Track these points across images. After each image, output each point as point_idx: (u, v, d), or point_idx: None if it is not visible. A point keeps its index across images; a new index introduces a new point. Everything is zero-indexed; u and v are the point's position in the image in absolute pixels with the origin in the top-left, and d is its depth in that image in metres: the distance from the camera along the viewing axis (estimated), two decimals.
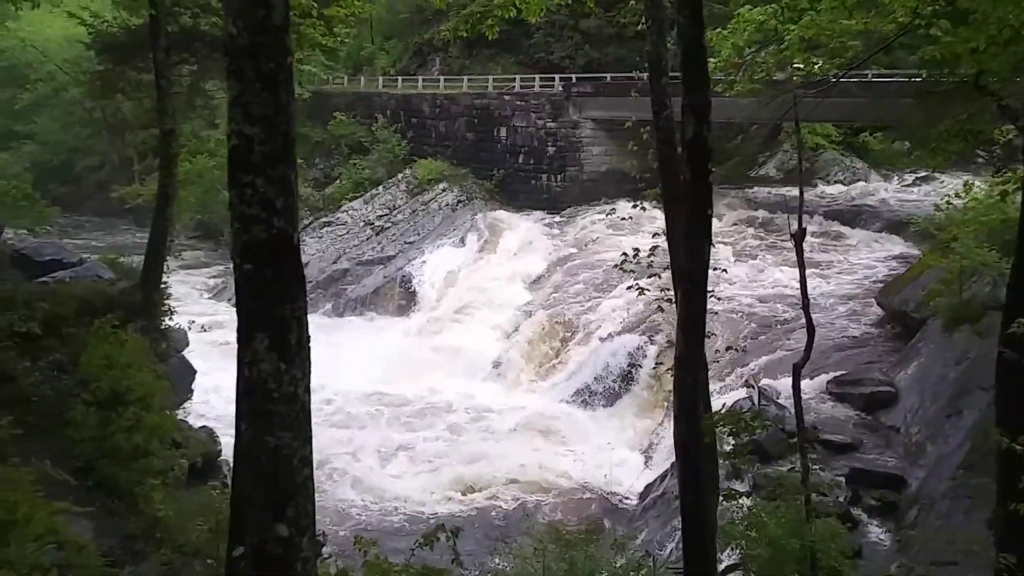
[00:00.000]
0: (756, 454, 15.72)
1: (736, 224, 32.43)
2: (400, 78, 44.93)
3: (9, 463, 9.72)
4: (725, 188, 37.42)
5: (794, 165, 42.04)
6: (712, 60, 10.73)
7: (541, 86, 39.02)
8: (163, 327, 15.41)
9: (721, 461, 15.95)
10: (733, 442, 16.26)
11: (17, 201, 16.13)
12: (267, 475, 3.57)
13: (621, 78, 38.53)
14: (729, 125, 41.76)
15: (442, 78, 42.91)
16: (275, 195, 3.58)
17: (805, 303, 11.03)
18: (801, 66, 11.13)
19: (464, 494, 18.59)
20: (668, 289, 10.48)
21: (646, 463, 19.79)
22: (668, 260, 10.24)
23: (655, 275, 10.33)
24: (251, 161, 3.51)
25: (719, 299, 14.87)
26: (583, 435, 21.41)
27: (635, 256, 10.53)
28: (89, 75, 21.78)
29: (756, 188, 39.72)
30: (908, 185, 39.69)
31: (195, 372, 15.75)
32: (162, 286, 15.22)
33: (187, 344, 17.27)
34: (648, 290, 10.18)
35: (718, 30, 10.33)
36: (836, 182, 40.35)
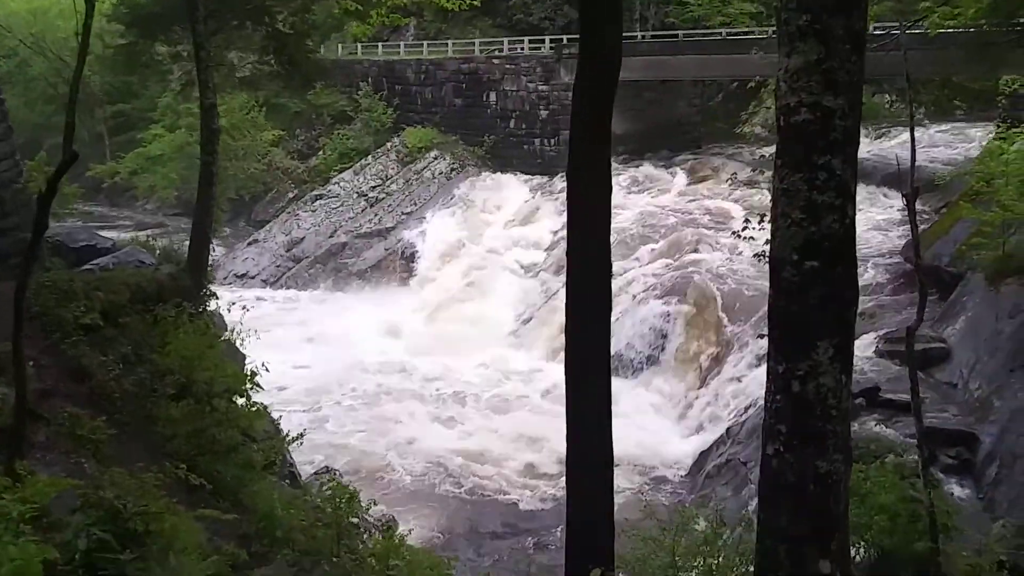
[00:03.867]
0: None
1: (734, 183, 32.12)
2: (380, 44, 43.80)
3: (114, 467, 9.17)
4: (704, 149, 37.36)
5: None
6: None
7: (531, 48, 38.31)
8: (210, 311, 14.78)
9: None
10: None
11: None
12: (814, 505, 3.13)
13: None
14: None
15: (425, 43, 41.91)
16: (851, 178, 3.09)
17: (918, 263, 10.80)
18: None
19: (502, 474, 18.21)
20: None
21: (693, 430, 19.58)
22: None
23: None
24: (830, 139, 3.01)
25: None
26: (618, 405, 21.05)
27: (760, 222, 10.15)
28: (114, 49, 20.61)
29: (743, 146, 39.60)
30: (878, 139, 39.57)
31: (244, 357, 15.11)
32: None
33: (225, 328, 16.61)
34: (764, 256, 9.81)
35: None
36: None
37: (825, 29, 2.98)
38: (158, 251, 16.46)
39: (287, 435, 11.85)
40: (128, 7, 15.22)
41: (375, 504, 10.35)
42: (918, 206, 30.92)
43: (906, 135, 39.40)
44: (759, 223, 10.01)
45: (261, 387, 11.00)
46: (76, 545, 6.22)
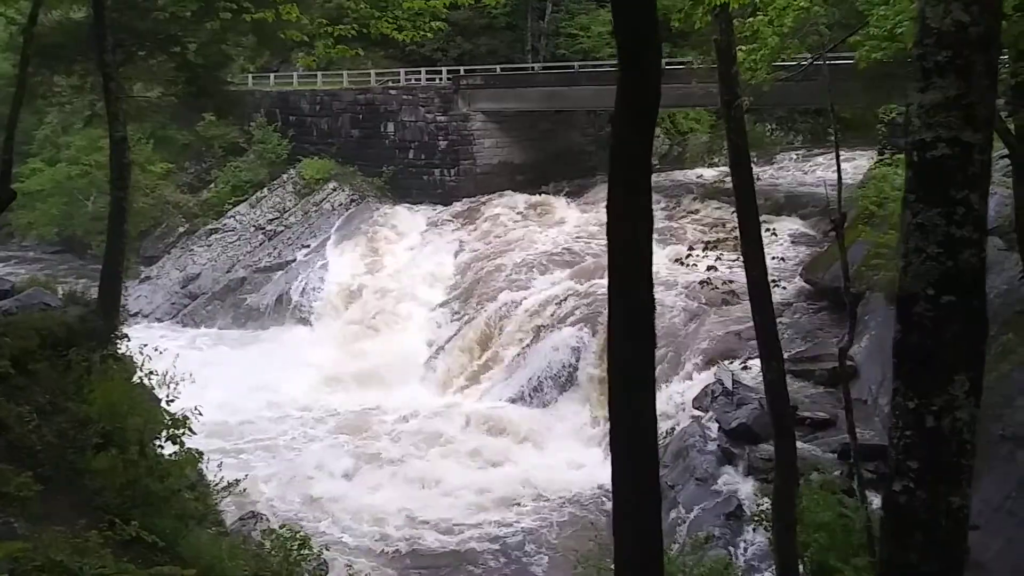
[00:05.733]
0: (745, 437, 15.99)
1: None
2: (272, 75, 43.05)
3: (44, 524, 8.59)
4: (599, 177, 38.00)
5: (665, 151, 43.25)
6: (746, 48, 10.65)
7: (428, 79, 38.34)
8: (122, 355, 14.10)
9: (713, 447, 16.18)
10: (718, 424, 16.44)
11: None
12: (945, 541, 3.11)
13: (511, 70, 38.43)
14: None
15: (320, 74, 41.39)
16: (985, 213, 3.11)
17: (846, 287, 11.17)
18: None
19: (432, 515, 17.82)
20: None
21: (607, 457, 19.69)
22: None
23: (711, 268, 10.18)
24: (969, 174, 3.01)
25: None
26: (536, 436, 21.10)
27: (705, 248, 10.37)
28: (2, 81, 19.48)
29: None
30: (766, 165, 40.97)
31: (159, 400, 14.45)
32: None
33: (136, 371, 15.86)
34: (712, 282, 10.05)
35: (759, 16, 10.22)
36: (710, 165, 41.49)
37: (967, 65, 3.05)
38: (62, 292, 15.63)
39: (218, 483, 11.36)
40: (26, 37, 14.40)
41: (327, 549, 9.98)
42: (806, 229, 32.13)
43: (787, 162, 41.41)
44: (703, 251, 10.29)
45: (193, 432, 10.51)
46: None
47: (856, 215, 22.70)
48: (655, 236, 4.17)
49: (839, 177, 10.36)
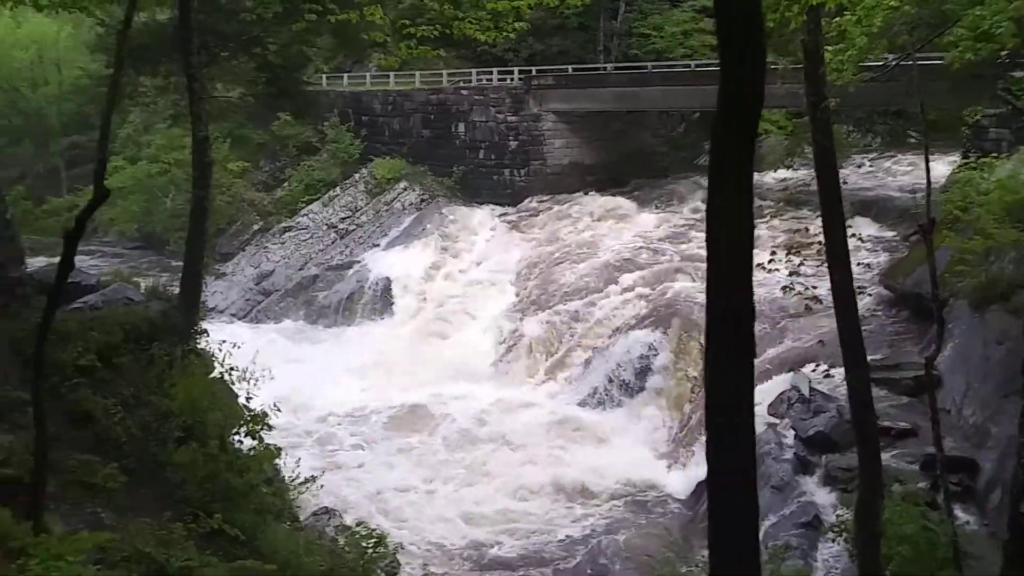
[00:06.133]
0: (823, 445, 15.62)
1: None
2: (345, 75, 43.59)
3: (130, 515, 8.78)
4: (671, 178, 37.55)
5: None
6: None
7: (499, 79, 38.41)
8: (202, 350, 14.37)
9: (789, 455, 15.83)
10: (795, 432, 16.07)
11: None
12: None
13: (582, 70, 38.29)
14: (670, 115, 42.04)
15: (392, 74, 41.75)
16: None
17: (935, 294, 10.83)
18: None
19: (505, 514, 17.81)
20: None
21: (679, 459, 19.48)
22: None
23: (794, 273, 9.97)
24: None
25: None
26: (606, 438, 20.97)
27: (788, 253, 10.16)
28: (91, 80, 20.07)
29: (705, 177, 39.77)
30: (842, 167, 40.06)
31: (237, 396, 14.70)
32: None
33: (216, 365, 16.16)
34: (794, 288, 9.83)
35: (846, 15, 9.95)
36: (788, 167, 40.69)
37: None
38: (144, 288, 15.99)
39: (295, 478, 11.50)
40: (113, 37, 14.83)
41: (402, 548, 10.02)
42: (887, 234, 31.29)
43: (863, 165, 40.40)
44: (786, 256, 10.07)
45: (271, 427, 10.66)
46: None
47: (939, 220, 22.00)
48: None
49: (928, 181, 10.04)
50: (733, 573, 3.91)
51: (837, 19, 10.14)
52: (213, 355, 14.63)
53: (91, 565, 6.04)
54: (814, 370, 17.68)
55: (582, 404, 22.44)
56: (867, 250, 27.01)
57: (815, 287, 11.69)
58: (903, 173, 36.00)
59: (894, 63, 11.19)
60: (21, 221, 15.49)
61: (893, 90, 20.03)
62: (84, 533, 6.47)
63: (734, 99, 3.63)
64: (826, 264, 9.04)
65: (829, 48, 10.15)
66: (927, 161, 10.09)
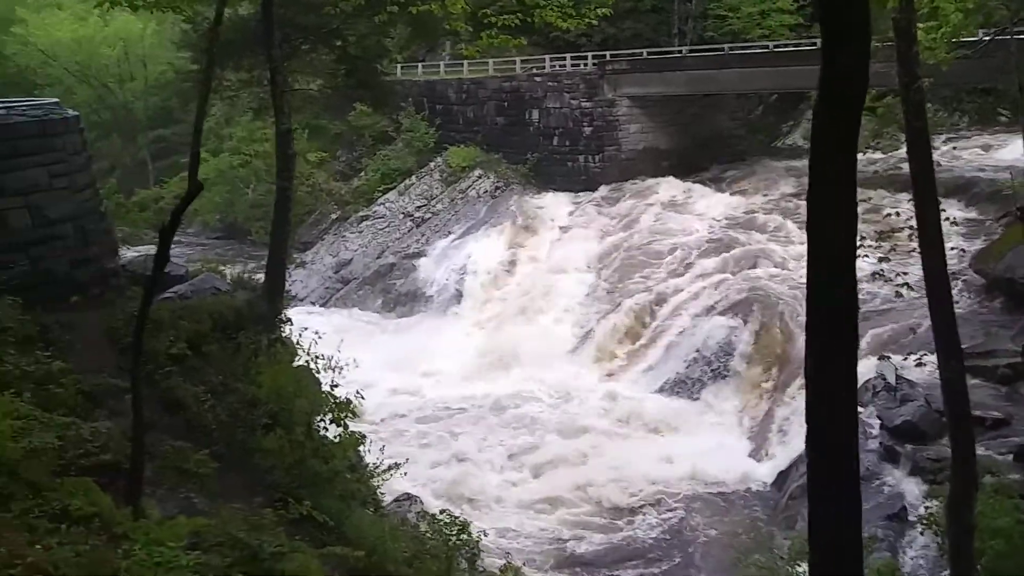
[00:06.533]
0: (910, 435, 15.21)
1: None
2: (420, 65, 43.84)
3: (221, 501, 9.00)
4: (749, 162, 36.83)
5: None
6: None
7: (572, 65, 38.17)
8: (286, 338, 14.64)
9: (874, 444, 15.45)
10: (880, 421, 15.65)
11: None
12: None
13: (657, 54, 37.80)
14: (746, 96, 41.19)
15: (466, 62, 41.83)
16: None
17: None
18: None
19: (588, 504, 17.78)
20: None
21: (762, 449, 19.18)
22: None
23: (884, 259, 9.67)
24: None
25: None
26: (686, 425, 20.77)
27: (878, 238, 9.89)
28: (177, 75, 20.61)
29: (785, 161, 38.95)
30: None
31: (320, 383, 14.96)
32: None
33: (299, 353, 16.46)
34: (883, 274, 9.55)
35: None
36: (876, 149, 39.52)
37: None
38: (230, 277, 16.36)
39: (377, 465, 11.65)
40: (199, 34, 15.20)
41: (485, 535, 10.08)
42: (975, 215, 30.19)
43: (950, 145, 38.95)
44: (876, 241, 9.79)
45: (356, 415, 10.82)
46: None
47: None
48: None
49: None
50: (835, 572, 3.81)
51: None
52: (298, 343, 14.91)
53: (188, 551, 6.19)
54: (905, 359, 17.16)
55: (661, 391, 22.25)
56: (957, 234, 26.19)
57: (905, 273, 11.35)
58: (992, 152, 34.73)
59: (989, 39, 10.75)
60: (114, 213, 15.93)
61: (986, 67, 19.22)
62: (181, 518, 6.67)
63: (837, 82, 3.50)
64: (917, 250, 8.76)
65: (921, 26, 9.81)
66: None
